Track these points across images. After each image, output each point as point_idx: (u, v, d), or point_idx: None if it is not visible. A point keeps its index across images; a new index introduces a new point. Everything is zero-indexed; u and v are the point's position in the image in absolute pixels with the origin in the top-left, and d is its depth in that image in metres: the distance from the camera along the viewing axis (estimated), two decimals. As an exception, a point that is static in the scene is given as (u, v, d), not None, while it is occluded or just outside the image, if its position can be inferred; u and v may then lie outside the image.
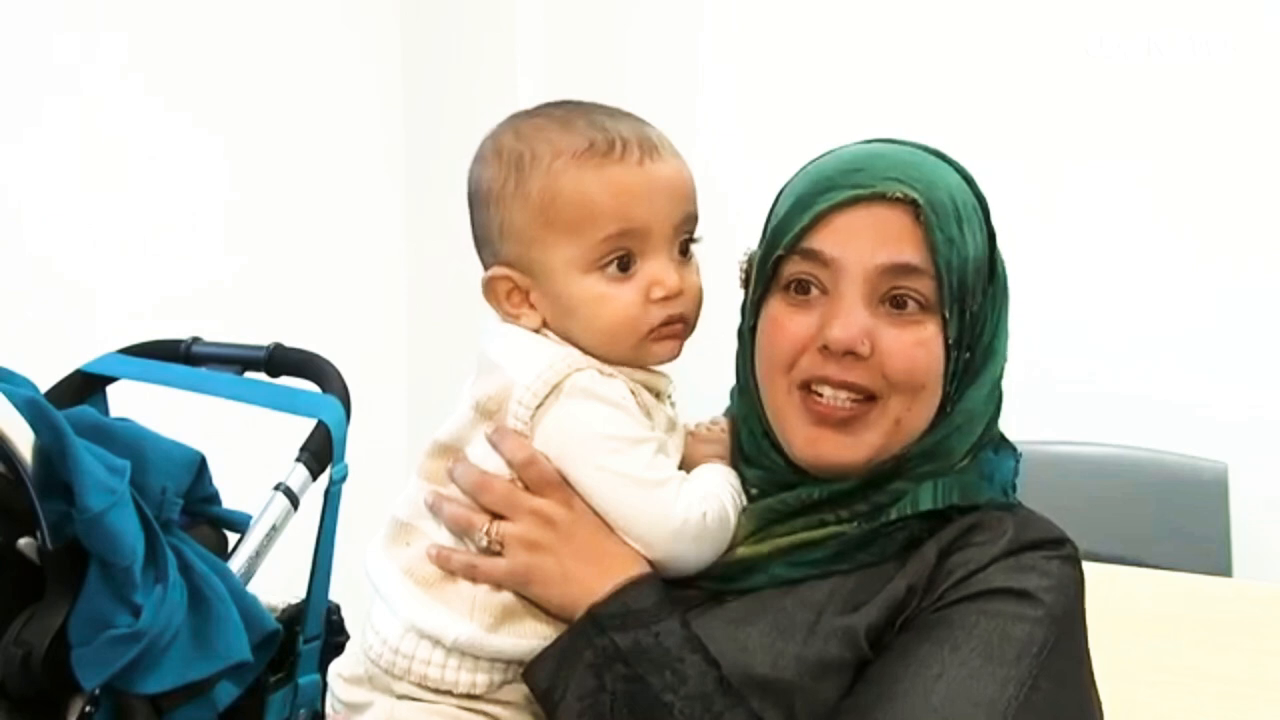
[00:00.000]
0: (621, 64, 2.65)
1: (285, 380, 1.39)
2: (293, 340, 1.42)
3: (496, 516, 0.85)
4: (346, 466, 1.29)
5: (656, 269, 0.86)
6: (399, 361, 2.72)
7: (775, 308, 0.89)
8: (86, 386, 1.39)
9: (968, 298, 0.86)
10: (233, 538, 1.23)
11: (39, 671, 0.94)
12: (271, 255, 2.38)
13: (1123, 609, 1.58)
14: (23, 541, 0.96)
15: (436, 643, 0.83)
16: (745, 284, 0.94)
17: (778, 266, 0.88)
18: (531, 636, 0.83)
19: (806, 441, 0.87)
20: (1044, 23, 2.30)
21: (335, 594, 1.28)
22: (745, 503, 0.90)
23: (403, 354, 2.73)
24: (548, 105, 0.91)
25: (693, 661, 0.79)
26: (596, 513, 0.84)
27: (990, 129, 2.24)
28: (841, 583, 0.85)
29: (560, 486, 0.84)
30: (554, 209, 0.85)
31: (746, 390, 0.93)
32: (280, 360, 1.40)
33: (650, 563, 0.84)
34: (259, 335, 1.43)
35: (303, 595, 1.24)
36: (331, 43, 2.55)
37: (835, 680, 0.80)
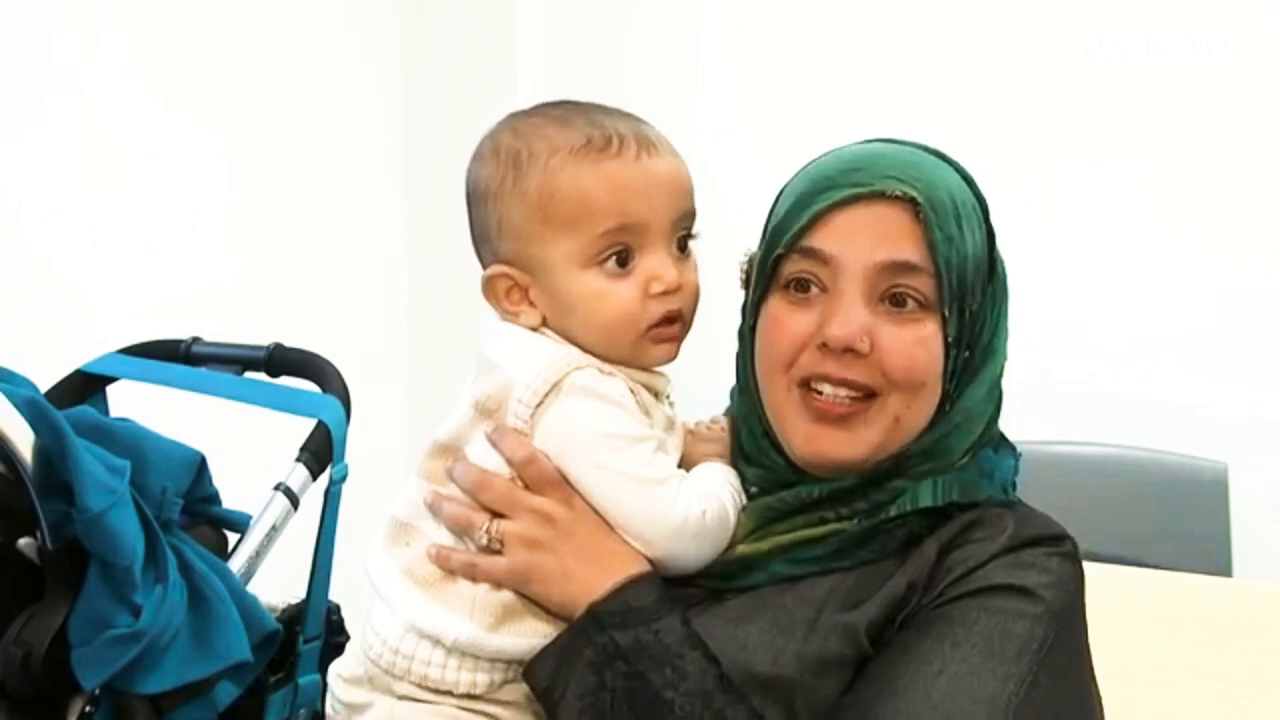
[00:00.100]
0: (621, 64, 2.65)
1: (285, 380, 1.39)
2: (293, 340, 1.41)
3: (496, 515, 0.85)
4: (346, 466, 1.29)
5: (655, 264, 0.86)
6: (399, 361, 2.72)
7: (775, 306, 0.89)
8: (86, 386, 1.39)
9: (967, 296, 0.86)
10: (233, 538, 1.23)
11: (39, 671, 0.94)
12: (271, 255, 2.38)
13: (1123, 609, 1.58)
14: (23, 541, 0.96)
15: (437, 643, 0.83)
16: (745, 284, 0.94)
17: (777, 265, 0.88)
18: (532, 635, 0.83)
19: (806, 439, 0.87)
20: (1044, 23, 2.31)
21: (335, 594, 1.28)
22: (745, 501, 0.90)
23: (403, 354, 2.73)
24: (545, 105, 0.92)
25: (693, 659, 0.79)
26: (596, 511, 0.84)
27: (990, 129, 2.24)
28: (841, 580, 0.85)
29: (560, 485, 0.84)
30: (552, 205, 0.85)
31: (747, 390, 0.93)
32: (280, 360, 1.40)
33: (650, 561, 0.84)
34: (259, 335, 1.43)
35: (303, 595, 1.24)
36: (331, 43, 2.55)
37: (835, 677, 0.80)
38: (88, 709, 0.97)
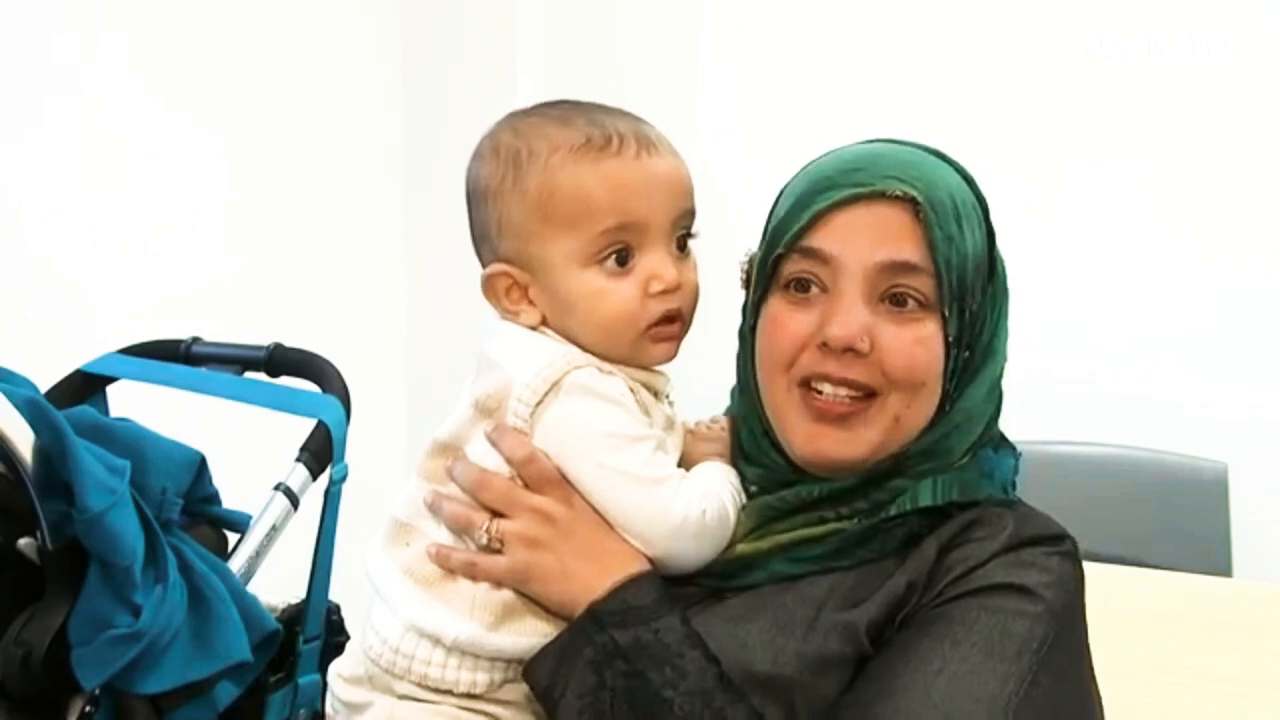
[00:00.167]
0: (621, 64, 2.65)
1: (285, 380, 1.39)
2: (293, 340, 1.41)
3: (496, 514, 0.85)
4: (346, 466, 1.29)
5: (654, 263, 0.86)
6: (399, 361, 2.72)
7: (775, 306, 0.89)
8: (86, 386, 1.39)
9: (967, 296, 0.86)
10: (233, 538, 1.23)
11: (39, 671, 0.93)
12: (271, 255, 2.38)
13: (1123, 609, 1.58)
14: (23, 541, 0.96)
15: (437, 642, 0.83)
16: (746, 285, 0.94)
17: (778, 265, 0.89)
18: (531, 635, 0.83)
19: (806, 438, 0.87)
20: (1044, 23, 2.31)
21: (335, 594, 1.28)
22: (744, 500, 0.90)
23: (403, 354, 2.73)
24: (545, 104, 0.92)
25: (692, 658, 0.79)
26: (596, 510, 0.84)
27: (990, 129, 2.24)
28: (841, 579, 0.85)
29: (560, 484, 0.84)
30: (552, 204, 0.85)
31: (747, 389, 0.93)
32: (280, 360, 1.40)
33: (650, 560, 0.84)
34: (259, 335, 1.43)
35: (303, 595, 1.24)
36: (331, 43, 2.55)
37: (835, 676, 0.80)
38: (88, 709, 0.97)
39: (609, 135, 0.85)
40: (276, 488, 1.24)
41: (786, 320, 0.88)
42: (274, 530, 1.22)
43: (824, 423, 0.86)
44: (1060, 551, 0.85)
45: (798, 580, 0.85)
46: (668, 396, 0.92)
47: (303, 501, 1.25)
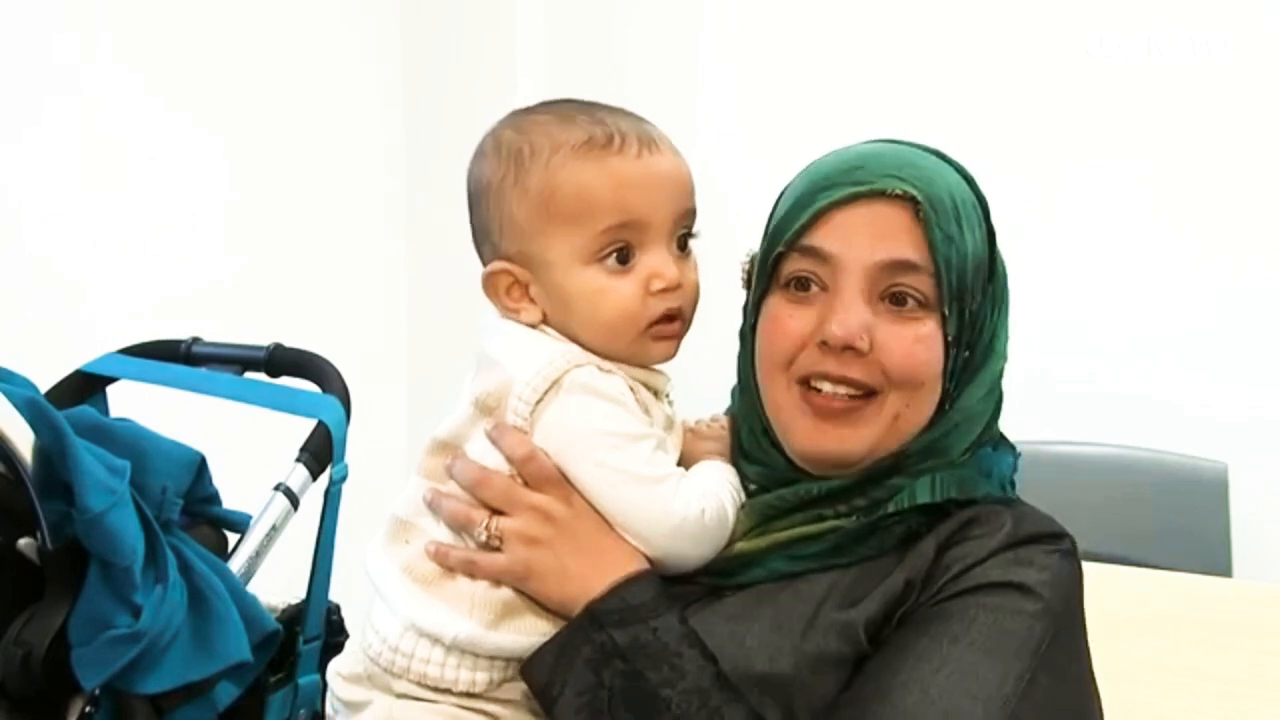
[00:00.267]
0: (621, 64, 2.65)
1: (285, 380, 1.39)
2: (293, 340, 1.41)
3: (496, 512, 0.85)
4: (346, 466, 1.29)
5: (655, 261, 0.86)
6: (399, 361, 2.72)
7: (775, 305, 0.89)
8: (86, 386, 1.39)
9: (967, 296, 0.86)
10: (233, 538, 1.23)
11: (39, 671, 0.93)
12: (271, 255, 2.38)
13: (1123, 609, 1.58)
14: (23, 541, 0.96)
15: (436, 641, 0.83)
16: (747, 285, 0.94)
17: (778, 264, 0.89)
18: (530, 633, 0.83)
19: (806, 436, 0.87)
20: (1044, 23, 2.31)
21: (335, 594, 1.28)
22: (744, 499, 0.90)
23: (403, 354, 2.73)
24: (547, 103, 0.92)
25: (690, 656, 0.79)
26: (595, 509, 0.84)
27: (990, 129, 2.24)
28: (840, 577, 0.85)
29: (559, 482, 0.84)
30: (553, 202, 0.85)
31: (747, 388, 0.93)
32: (280, 360, 1.40)
33: (649, 559, 0.84)
34: (259, 335, 1.43)
35: (303, 595, 1.24)
36: (331, 43, 2.55)
37: (833, 675, 0.80)
38: (88, 709, 0.97)
39: (611, 134, 0.85)
40: (276, 488, 1.24)
41: (786, 319, 0.88)
42: (274, 530, 1.22)
43: (823, 421, 0.86)
44: (1059, 549, 0.85)
45: (796, 578, 0.85)
46: (668, 395, 0.92)
47: (303, 501, 1.25)
